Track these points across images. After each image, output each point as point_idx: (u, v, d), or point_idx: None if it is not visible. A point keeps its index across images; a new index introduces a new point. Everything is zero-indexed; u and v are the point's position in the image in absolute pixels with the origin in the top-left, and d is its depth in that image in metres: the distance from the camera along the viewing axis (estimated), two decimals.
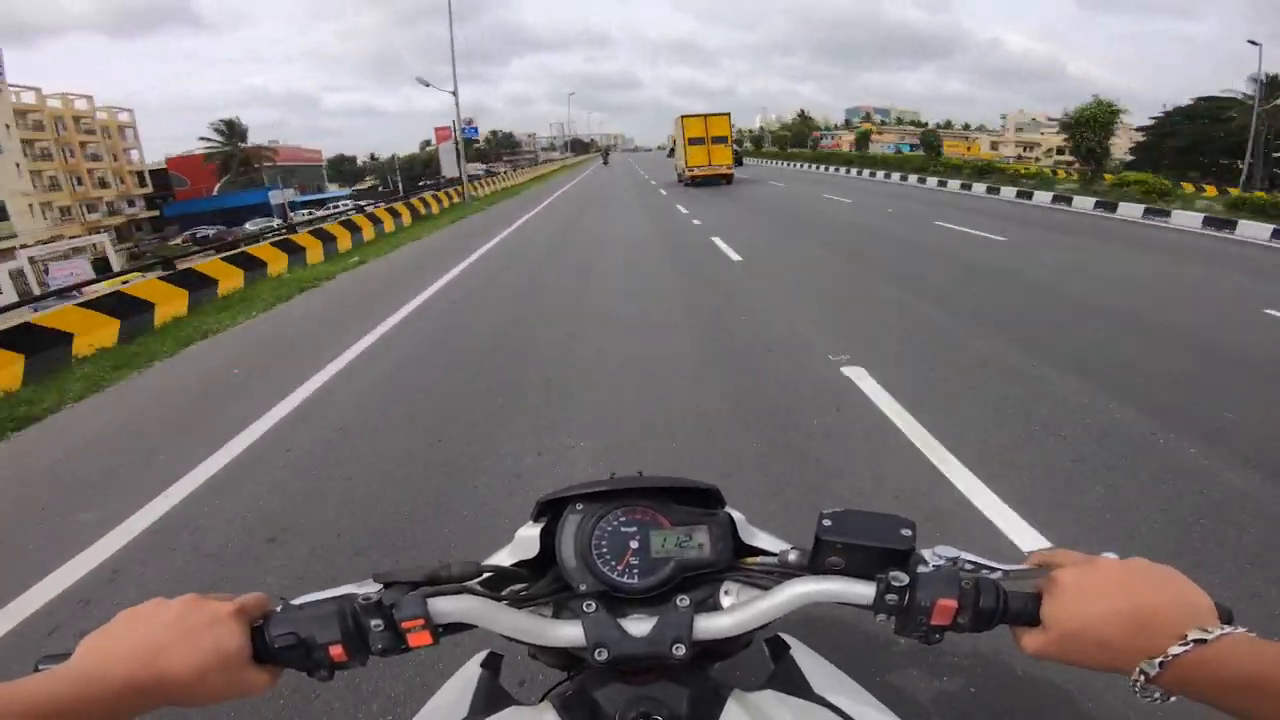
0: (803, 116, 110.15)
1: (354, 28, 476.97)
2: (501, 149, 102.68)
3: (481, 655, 0.76)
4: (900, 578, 0.51)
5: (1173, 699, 0.43)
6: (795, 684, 0.66)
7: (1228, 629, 0.41)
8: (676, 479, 0.63)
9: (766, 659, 0.76)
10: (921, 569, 0.52)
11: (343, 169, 76.22)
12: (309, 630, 0.50)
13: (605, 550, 0.60)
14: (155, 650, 0.45)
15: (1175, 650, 0.41)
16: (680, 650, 0.55)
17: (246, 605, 0.51)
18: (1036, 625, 0.49)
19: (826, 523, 0.54)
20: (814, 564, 0.55)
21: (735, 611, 0.57)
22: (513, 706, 0.63)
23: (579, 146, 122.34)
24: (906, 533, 0.53)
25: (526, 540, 0.63)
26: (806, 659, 0.72)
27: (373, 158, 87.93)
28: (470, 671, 0.73)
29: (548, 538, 0.62)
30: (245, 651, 0.48)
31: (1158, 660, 0.42)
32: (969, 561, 0.54)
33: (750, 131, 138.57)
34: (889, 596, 0.52)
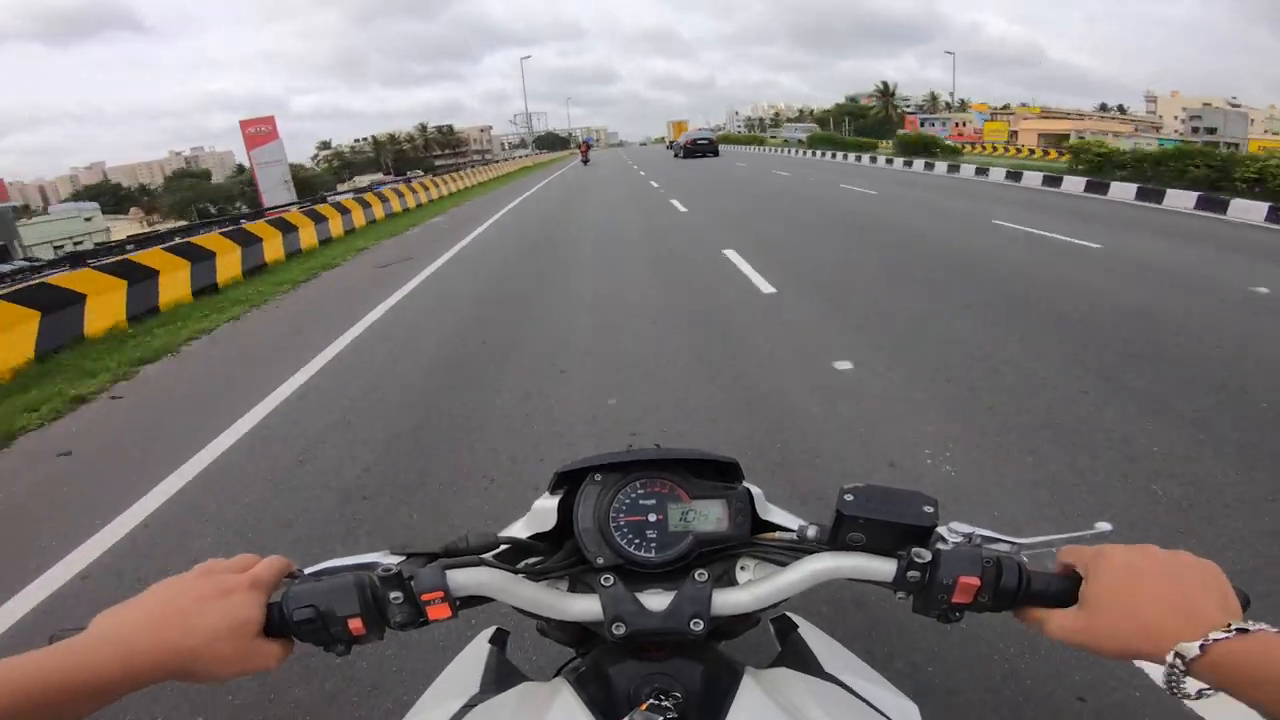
0: (885, 93, 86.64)
1: (317, 27, 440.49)
2: (440, 148, 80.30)
3: (489, 631, 0.80)
4: (923, 554, 0.52)
5: (1213, 693, 0.42)
6: (806, 662, 0.68)
7: (1265, 626, 0.41)
8: (695, 451, 0.63)
9: (771, 640, 0.79)
10: (941, 546, 0.53)
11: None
12: (328, 603, 0.49)
13: (623, 523, 0.60)
14: (166, 617, 0.46)
15: (1217, 635, 0.41)
16: (699, 625, 0.55)
17: (261, 576, 0.51)
18: (1065, 606, 0.50)
19: (848, 497, 0.54)
20: (834, 539, 0.56)
21: (753, 587, 0.57)
22: (526, 682, 0.65)
23: (556, 142, 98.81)
24: (929, 509, 0.53)
25: (544, 512, 0.64)
26: (814, 638, 0.74)
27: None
28: (479, 647, 0.76)
29: (565, 510, 0.63)
30: (258, 623, 0.48)
31: (1197, 643, 0.41)
32: (982, 536, 0.55)
33: (755, 119, 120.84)
34: (911, 573, 0.52)
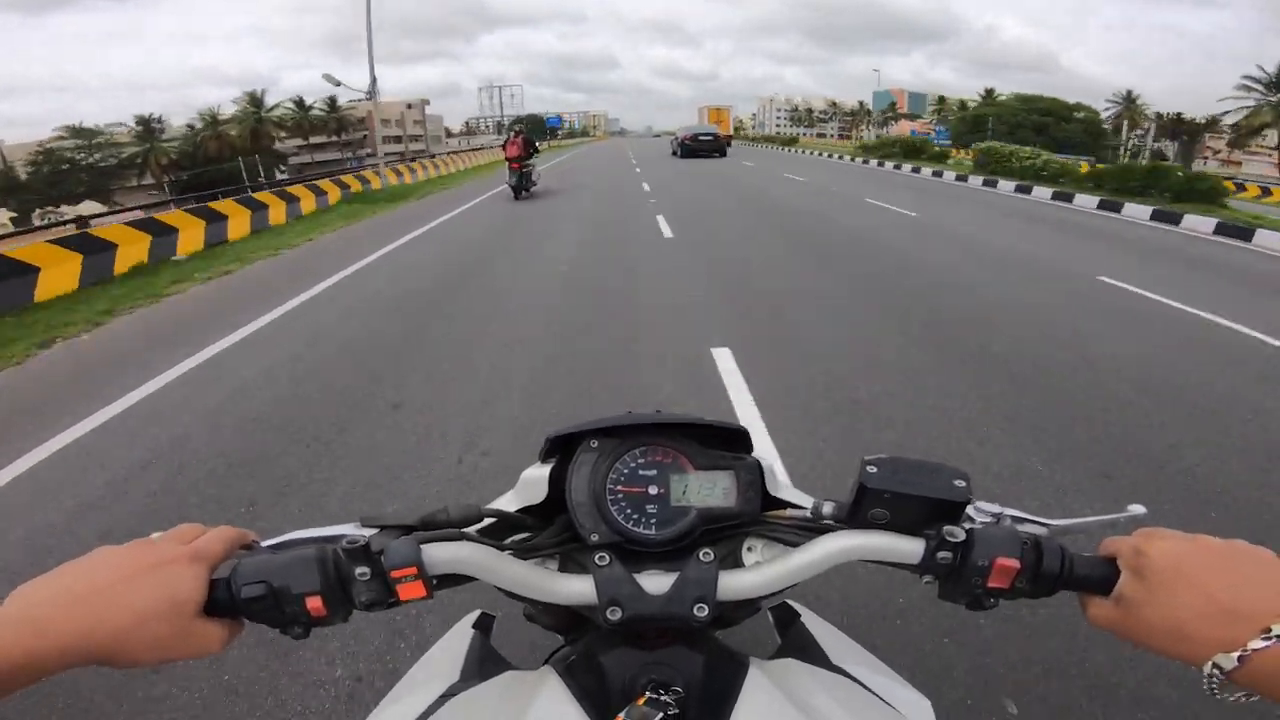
0: (1127, 102, 56.57)
1: (309, 2, 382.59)
2: (304, 133, 57.52)
3: (473, 616, 0.78)
4: (955, 533, 0.49)
5: (1254, 698, 0.40)
6: (810, 653, 0.67)
7: None
8: (700, 417, 0.60)
9: (769, 629, 0.77)
10: (969, 525, 0.51)
11: None
12: (283, 579, 0.46)
13: (621, 496, 0.58)
14: (88, 593, 0.42)
15: (1255, 645, 0.39)
16: (703, 611, 0.53)
17: (205, 548, 0.47)
18: (1106, 595, 0.48)
19: (871, 469, 0.51)
20: (854, 516, 0.53)
21: (762, 569, 0.55)
22: (510, 670, 0.63)
23: (535, 129, 69.77)
24: (960, 484, 0.51)
25: (533, 482, 0.60)
26: (818, 628, 0.73)
27: None
28: (461, 632, 0.75)
29: (557, 481, 0.60)
30: (197, 601, 0.45)
31: (1235, 655, 0.40)
32: (1011, 516, 0.54)
33: (815, 111, 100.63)
34: (941, 554, 0.49)
